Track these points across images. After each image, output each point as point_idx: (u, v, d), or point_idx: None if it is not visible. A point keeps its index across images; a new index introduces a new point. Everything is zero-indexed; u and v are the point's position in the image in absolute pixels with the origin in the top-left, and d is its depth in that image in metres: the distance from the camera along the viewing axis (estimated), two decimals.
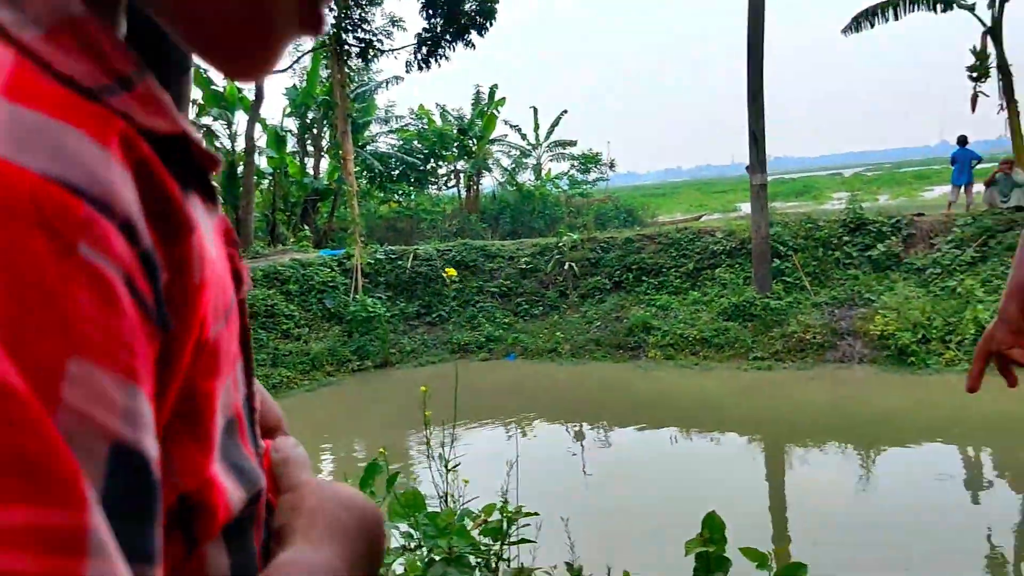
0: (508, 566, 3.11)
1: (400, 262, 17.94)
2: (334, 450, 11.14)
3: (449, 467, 3.48)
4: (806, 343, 14.21)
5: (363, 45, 19.36)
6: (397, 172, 27.05)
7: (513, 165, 30.70)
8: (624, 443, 11.04)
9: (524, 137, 30.75)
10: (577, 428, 11.78)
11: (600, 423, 11.84)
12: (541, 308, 17.34)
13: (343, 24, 18.50)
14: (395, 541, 2.95)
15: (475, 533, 2.93)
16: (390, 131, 29.15)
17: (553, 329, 16.52)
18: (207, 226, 0.48)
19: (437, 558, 2.69)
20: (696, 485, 8.54)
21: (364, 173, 25.81)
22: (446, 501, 3.41)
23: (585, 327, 16.45)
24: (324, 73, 23.61)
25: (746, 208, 21.77)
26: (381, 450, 3.20)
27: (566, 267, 17.41)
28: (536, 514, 3.08)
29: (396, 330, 16.69)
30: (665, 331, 15.44)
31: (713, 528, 2.38)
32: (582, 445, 11.07)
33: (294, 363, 14.81)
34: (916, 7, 17.27)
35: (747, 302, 15.18)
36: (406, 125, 29.49)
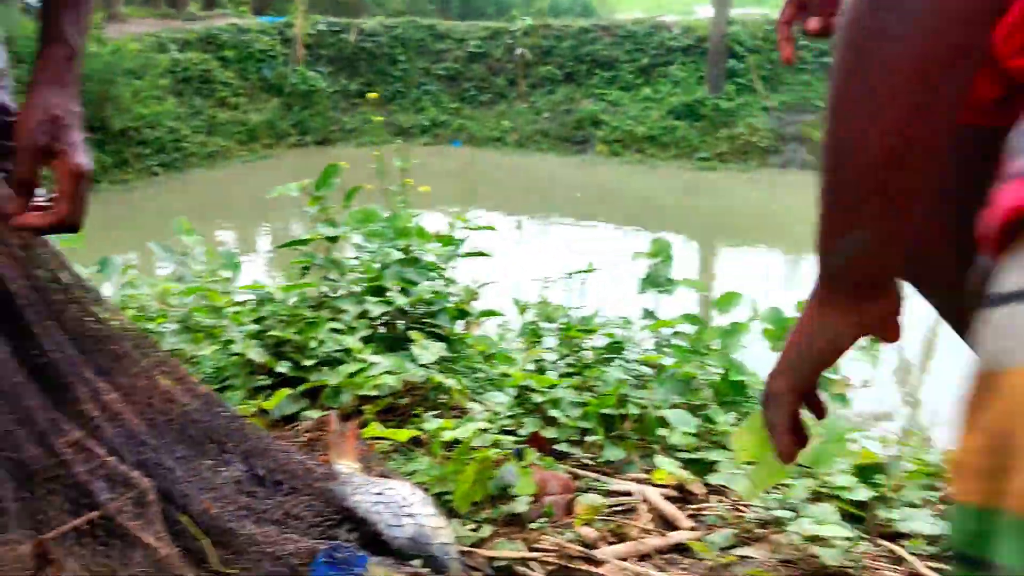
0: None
1: (344, 36, 17.14)
2: (270, 219, 10.90)
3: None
4: (751, 146, 14.15)
5: None
6: None
7: None
8: (565, 236, 11.03)
9: None
10: (520, 219, 11.65)
11: (542, 214, 11.79)
12: (489, 95, 16.87)
13: None
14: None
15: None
16: None
17: (500, 117, 16.18)
18: None
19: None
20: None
21: None
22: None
23: (533, 117, 16.14)
24: None
25: (703, 13, 21.06)
26: (343, 164, 3.11)
27: (517, 54, 16.82)
28: (492, 228, 3.06)
29: (337, 107, 16.19)
30: (614, 126, 15.26)
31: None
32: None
33: (231, 133, 14.37)
34: None
35: (697, 101, 14.96)
36: None
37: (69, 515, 1.53)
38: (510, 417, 2.21)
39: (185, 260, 3.43)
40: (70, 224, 1.49)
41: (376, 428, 1.90)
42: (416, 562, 1.53)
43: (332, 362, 2.37)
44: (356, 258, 2.86)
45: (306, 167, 13.63)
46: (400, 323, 2.66)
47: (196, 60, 14.76)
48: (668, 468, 2.03)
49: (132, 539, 1.53)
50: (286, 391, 2.14)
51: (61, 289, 1.81)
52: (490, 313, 2.86)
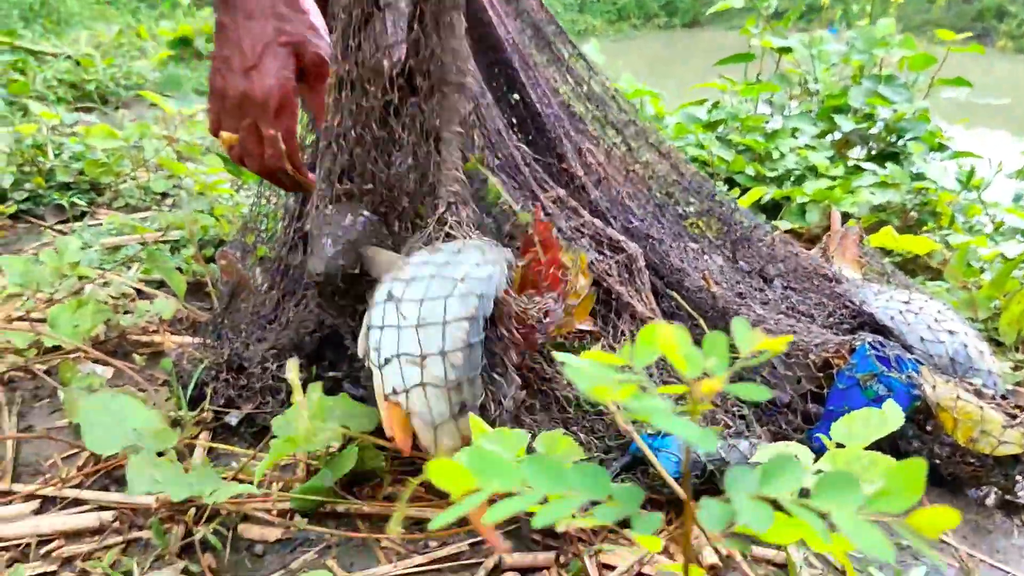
0: None
1: None
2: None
3: None
4: None
5: None
6: None
7: None
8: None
9: None
10: None
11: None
12: None
13: None
14: None
15: None
16: None
17: (886, 4, 14.69)
18: None
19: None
20: None
21: None
22: None
23: (925, 5, 14.49)
24: None
25: None
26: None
27: None
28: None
29: None
30: (1023, 19, 13.33)
31: None
32: None
33: (600, 11, 14.27)
34: None
35: None
36: None
37: None
38: None
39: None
40: None
41: (889, 234, 1.57)
42: (977, 380, 1.19)
43: (793, 180, 2.06)
44: (806, 78, 2.49)
45: (673, 50, 13.31)
46: (858, 150, 2.28)
47: None
48: None
49: (620, 305, 1.33)
50: (760, 191, 1.86)
51: (545, 43, 1.65)
52: (966, 154, 2.38)
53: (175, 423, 1.20)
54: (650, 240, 1.44)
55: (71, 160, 2.31)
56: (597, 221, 1.42)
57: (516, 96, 1.55)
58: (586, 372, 0.43)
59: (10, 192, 2.16)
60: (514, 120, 1.56)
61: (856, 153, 2.36)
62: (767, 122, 2.30)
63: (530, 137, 1.54)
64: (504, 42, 1.57)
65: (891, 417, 0.86)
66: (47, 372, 1.38)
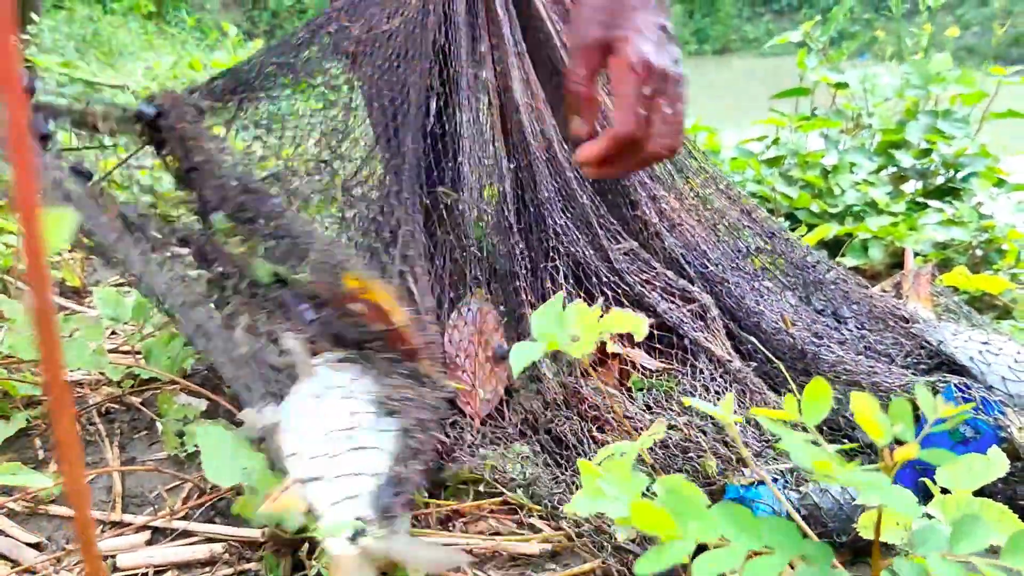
0: None
1: None
2: None
3: None
4: None
5: None
6: None
7: None
8: None
9: None
10: None
11: None
12: (908, 5, 15.33)
13: None
14: None
15: None
16: None
17: (919, 32, 14.67)
18: None
19: None
20: None
21: None
22: None
23: (959, 32, 14.48)
24: None
25: None
26: None
27: None
28: None
29: (740, 15, 15.56)
30: None
31: None
32: None
33: None
34: None
35: None
36: None
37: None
38: None
39: None
40: (632, 146, 0.99)
41: (962, 274, 1.59)
42: None
43: (853, 216, 2.08)
44: (859, 112, 2.52)
45: (704, 78, 13.34)
46: (912, 184, 2.30)
47: None
48: None
49: (696, 348, 1.36)
50: (827, 228, 1.88)
51: None
52: None
53: None
54: (725, 284, 1.47)
55: (141, 193, 2.37)
56: (669, 273, 1.45)
57: None
58: (799, 447, 0.46)
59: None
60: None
61: (909, 187, 2.38)
62: (824, 157, 2.32)
63: (605, 184, 1.57)
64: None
65: (996, 463, 0.88)
66: (143, 404, 1.42)
